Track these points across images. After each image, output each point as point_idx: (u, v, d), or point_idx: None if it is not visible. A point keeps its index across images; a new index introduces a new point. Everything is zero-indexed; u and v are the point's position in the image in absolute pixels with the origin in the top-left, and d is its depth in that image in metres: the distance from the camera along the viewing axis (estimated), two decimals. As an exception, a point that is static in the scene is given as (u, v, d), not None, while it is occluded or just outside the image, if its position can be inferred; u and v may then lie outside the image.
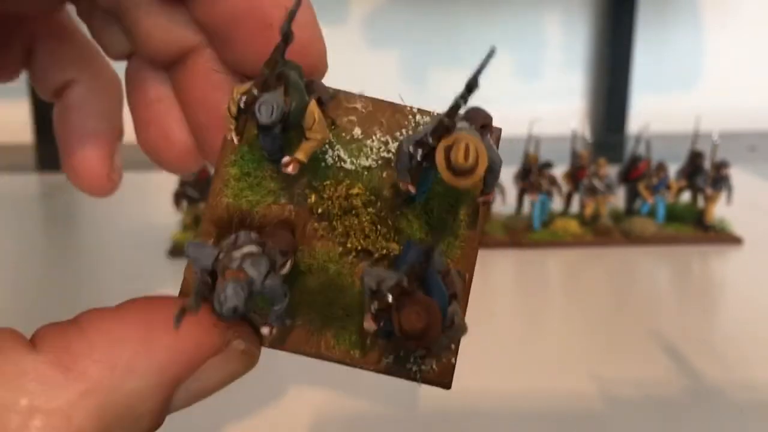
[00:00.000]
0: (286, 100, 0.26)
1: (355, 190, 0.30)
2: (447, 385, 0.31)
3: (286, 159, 0.27)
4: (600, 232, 0.89)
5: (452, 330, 0.26)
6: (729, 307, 0.72)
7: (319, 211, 0.30)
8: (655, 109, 1.59)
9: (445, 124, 0.26)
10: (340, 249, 0.30)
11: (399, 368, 0.30)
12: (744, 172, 1.17)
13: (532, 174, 0.91)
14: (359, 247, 0.30)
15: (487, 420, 0.49)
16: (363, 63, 1.53)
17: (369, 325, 0.26)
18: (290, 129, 0.27)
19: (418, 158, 0.26)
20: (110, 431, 0.24)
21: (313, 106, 0.28)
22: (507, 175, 0.94)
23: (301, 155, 0.28)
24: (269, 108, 0.25)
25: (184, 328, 0.25)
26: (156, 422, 0.26)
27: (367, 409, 0.50)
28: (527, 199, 0.92)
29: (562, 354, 0.59)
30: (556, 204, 0.95)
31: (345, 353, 0.30)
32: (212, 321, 0.27)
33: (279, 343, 0.30)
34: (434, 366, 0.30)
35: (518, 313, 0.70)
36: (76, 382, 0.23)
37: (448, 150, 0.25)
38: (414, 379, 0.30)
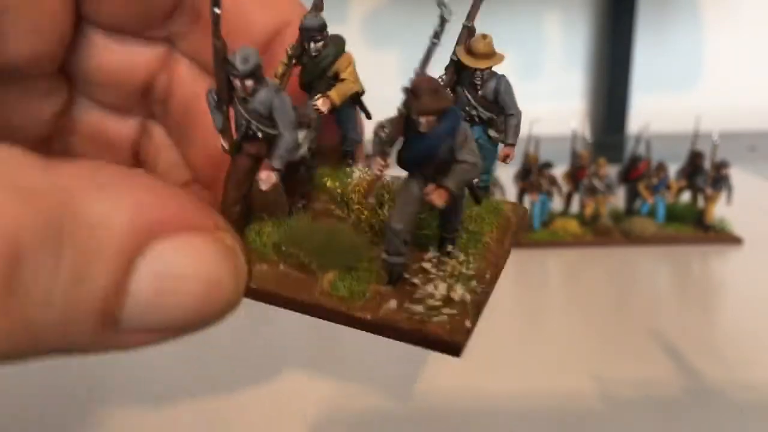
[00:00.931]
0: (322, 46, 0.29)
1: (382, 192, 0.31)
2: (457, 347, 0.26)
3: (319, 97, 0.29)
4: (600, 232, 0.89)
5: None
6: (729, 307, 0.72)
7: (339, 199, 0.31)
8: (655, 109, 1.59)
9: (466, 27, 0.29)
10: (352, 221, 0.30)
11: (402, 314, 0.26)
12: (744, 172, 1.17)
13: (532, 174, 0.91)
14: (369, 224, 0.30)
15: (487, 420, 0.49)
16: (363, 63, 1.53)
17: (377, 166, 0.26)
18: (322, 75, 0.29)
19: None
20: (60, 235, 0.22)
21: (350, 55, 0.30)
22: (507, 175, 0.94)
23: (334, 95, 0.30)
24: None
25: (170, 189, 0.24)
26: (112, 276, 0.23)
27: (367, 408, 0.50)
28: (527, 199, 0.92)
29: (562, 354, 0.59)
30: (556, 204, 0.95)
31: (340, 301, 0.27)
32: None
33: (271, 284, 0.28)
34: (447, 319, 0.26)
35: (518, 313, 0.70)
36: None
37: (468, 45, 0.27)
38: (418, 330, 0.26)
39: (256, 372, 0.55)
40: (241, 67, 0.27)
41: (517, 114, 0.31)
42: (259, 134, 0.29)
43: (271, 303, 0.28)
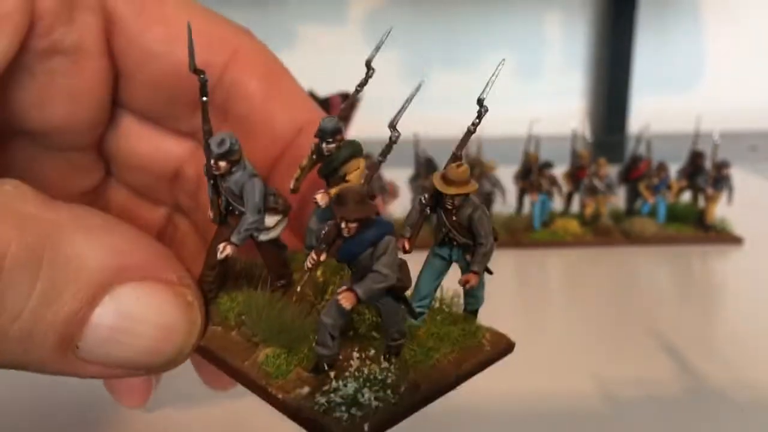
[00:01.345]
0: (333, 148, 0.33)
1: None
2: None
3: (319, 192, 0.33)
4: (600, 232, 0.89)
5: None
6: (729, 307, 0.72)
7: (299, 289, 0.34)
8: (655, 109, 1.59)
9: (454, 154, 0.31)
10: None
11: (309, 402, 0.28)
12: (745, 172, 1.17)
13: (533, 174, 0.91)
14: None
15: (487, 420, 0.49)
16: (363, 63, 1.53)
17: (310, 260, 0.29)
18: (333, 173, 0.34)
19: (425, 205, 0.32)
20: (36, 260, 0.25)
21: (361, 161, 0.34)
22: (507, 175, 0.94)
23: (334, 191, 0.33)
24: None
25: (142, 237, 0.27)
26: (77, 305, 0.25)
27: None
28: (527, 199, 0.92)
29: (562, 354, 0.59)
30: (557, 204, 0.95)
31: (263, 375, 0.29)
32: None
33: (213, 344, 0.30)
34: (346, 417, 0.27)
35: (518, 313, 0.70)
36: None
37: (444, 172, 0.30)
38: (315, 420, 0.27)
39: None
40: (215, 149, 0.31)
41: (488, 244, 0.33)
42: (236, 211, 0.32)
43: (208, 359, 0.31)
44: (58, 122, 0.35)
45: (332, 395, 0.28)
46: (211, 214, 0.33)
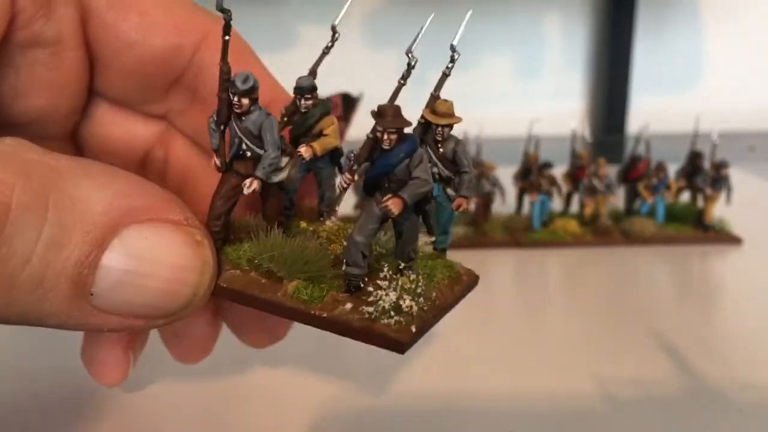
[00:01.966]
0: (311, 105, 0.34)
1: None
2: (402, 345, 0.29)
3: (303, 146, 0.34)
4: (600, 232, 0.89)
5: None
6: (729, 307, 0.72)
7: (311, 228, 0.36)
8: (655, 109, 1.59)
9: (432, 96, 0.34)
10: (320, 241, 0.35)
11: (354, 315, 0.30)
12: (743, 172, 1.17)
13: (532, 174, 0.91)
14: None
15: (487, 420, 0.49)
16: (363, 63, 1.53)
17: (344, 180, 0.30)
18: (308, 131, 0.35)
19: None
20: (42, 200, 0.25)
21: (333, 118, 0.35)
22: (507, 175, 0.94)
23: (317, 145, 0.34)
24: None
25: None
26: (86, 248, 0.25)
27: (365, 409, 0.50)
28: (527, 199, 0.92)
29: (562, 354, 0.59)
30: (556, 204, 0.95)
31: (300, 302, 0.30)
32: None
33: (238, 284, 0.31)
34: (394, 322, 0.29)
35: (518, 313, 0.70)
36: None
37: (432, 107, 0.33)
38: (368, 327, 0.29)
39: (254, 371, 0.55)
40: (240, 86, 0.31)
41: (471, 172, 0.35)
42: (248, 153, 0.33)
43: (237, 301, 0.31)
44: (39, 113, 0.36)
45: (377, 305, 0.30)
46: (217, 161, 0.33)
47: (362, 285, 0.31)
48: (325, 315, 0.30)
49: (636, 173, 0.93)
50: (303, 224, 0.37)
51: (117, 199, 0.27)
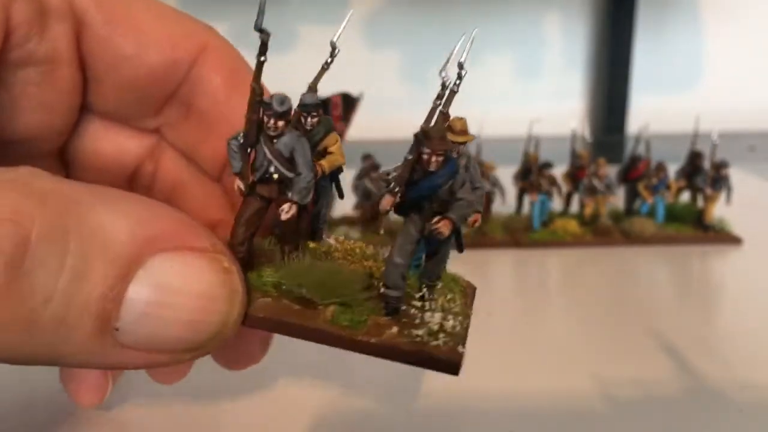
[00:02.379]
0: (315, 122, 0.33)
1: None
2: (456, 365, 0.30)
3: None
4: (600, 232, 0.89)
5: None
6: (729, 307, 0.72)
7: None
8: (655, 109, 1.59)
9: (443, 113, 0.32)
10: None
11: (403, 338, 0.29)
12: (743, 172, 1.17)
13: (532, 174, 0.91)
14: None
15: (487, 420, 0.49)
16: (363, 63, 1.53)
17: (387, 202, 0.30)
18: (313, 149, 0.33)
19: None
20: (63, 235, 0.23)
21: (336, 135, 0.35)
22: (507, 175, 0.94)
23: (325, 163, 0.34)
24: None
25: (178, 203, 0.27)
26: (110, 281, 0.24)
27: (367, 409, 0.50)
28: (527, 199, 0.92)
29: (562, 354, 0.59)
30: (556, 204, 0.95)
31: (343, 328, 0.30)
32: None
33: (276, 313, 0.30)
34: (443, 341, 0.29)
35: (518, 313, 0.70)
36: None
37: (447, 124, 0.32)
38: (420, 350, 0.29)
39: (255, 374, 0.55)
40: (278, 108, 0.31)
41: (482, 187, 0.35)
42: (275, 176, 0.32)
43: (276, 331, 0.30)
44: (30, 132, 0.35)
45: (425, 327, 0.29)
46: (242, 185, 0.32)
47: (400, 307, 0.31)
48: (374, 341, 0.29)
49: (636, 173, 0.93)
50: (311, 244, 0.36)
51: (140, 226, 0.25)
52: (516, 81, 1.64)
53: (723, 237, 0.89)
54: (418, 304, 0.31)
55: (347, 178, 0.67)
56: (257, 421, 0.49)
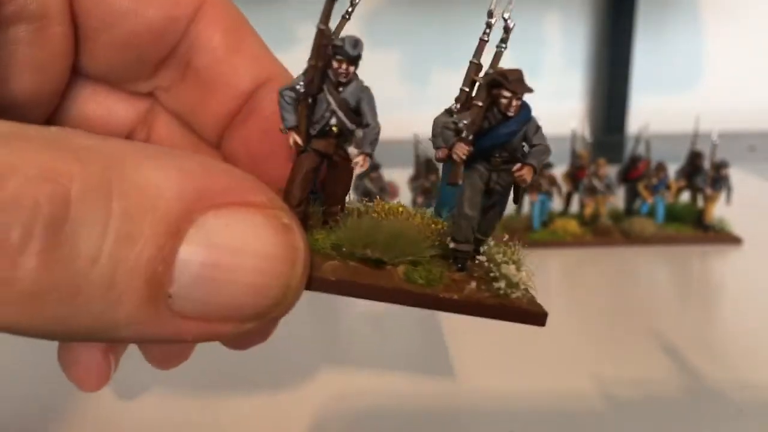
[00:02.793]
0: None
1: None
2: (543, 316, 0.29)
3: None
4: (600, 232, 0.89)
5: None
6: (729, 307, 0.72)
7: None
8: (655, 109, 1.59)
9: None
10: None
11: (484, 293, 0.28)
12: (743, 172, 1.17)
13: (532, 174, 0.91)
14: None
15: (487, 420, 0.49)
16: (363, 63, 1.53)
17: (462, 150, 0.28)
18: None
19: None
20: (125, 197, 0.21)
21: None
22: (507, 175, 0.94)
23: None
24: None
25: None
26: (160, 240, 0.22)
27: (368, 407, 0.50)
28: (527, 199, 0.92)
29: (562, 354, 0.59)
30: (556, 204, 0.95)
31: (423, 287, 0.28)
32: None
33: (347, 274, 0.28)
34: (522, 295, 0.29)
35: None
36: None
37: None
38: (505, 304, 0.28)
39: (256, 371, 0.55)
40: (351, 51, 0.28)
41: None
42: (335, 129, 0.29)
43: (349, 294, 0.28)
44: (21, 96, 0.33)
45: (504, 280, 0.29)
46: (299, 140, 0.29)
47: (470, 262, 0.30)
48: (456, 297, 0.28)
49: (636, 173, 0.93)
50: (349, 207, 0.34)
51: (189, 181, 0.23)
52: (516, 81, 1.63)
53: (723, 237, 0.89)
54: (482, 258, 0.30)
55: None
56: (257, 423, 0.49)
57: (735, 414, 0.49)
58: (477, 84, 0.32)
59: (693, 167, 0.93)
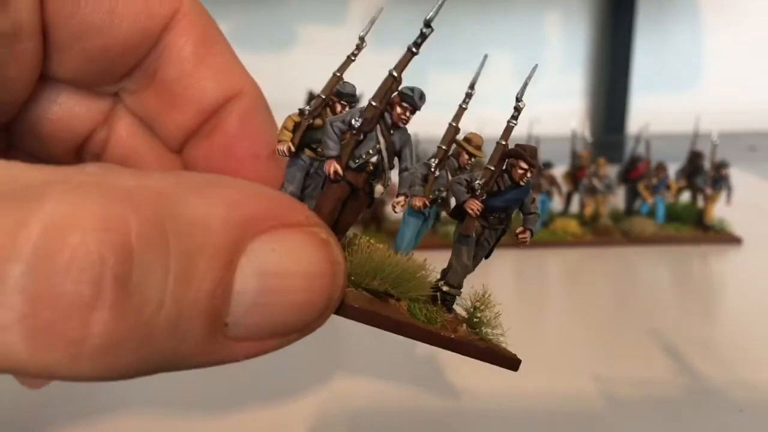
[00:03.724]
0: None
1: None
2: (518, 362, 0.32)
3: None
4: (600, 232, 0.89)
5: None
6: (729, 307, 0.72)
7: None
8: (655, 109, 1.59)
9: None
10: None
11: (474, 336, 0.31)
12: (744, 172, 1.17)
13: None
14: None
15: (487, 420, 0.49)
16: (363, 63, 1.53)
17: (476, 207, 0.32)
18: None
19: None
20: (166, 240, 0.21)
21: None
22: (507, 175, 0.94)
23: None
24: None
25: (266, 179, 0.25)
26: (217, 274, 0.22)
27: (369, 409, 0.50)
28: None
29: (561, 354, 0.59)
30: (556, 204, 0.95)
31: (426, 324, 0.30)
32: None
33: (366, 304, 0.29)
34: (499, 339, 0.31)
35: (518, 313, 0.70)
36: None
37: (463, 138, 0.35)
38: (492, 349, 0.31)
39: (253, 380, 0.55)
40: (419, 102, 0.31)
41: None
42: (371, 167, 0.31)
43: (366, 321, 0.29)
44: None
45: (486, 326, 0.31)
46: (339, 170, 0.30)
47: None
48: (453, 337, 0.30)
49: (636, 173, 0.93)
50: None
51: (234, 211, 0.23)
52: (516, 81, 1.63)
53: (723, 237, 0.89)
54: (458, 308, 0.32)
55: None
56: (256, 426, 0.49)
57: (735, 414, 0.49)
58: (453, 145, 0.35)
59: (693, 167, 0.93)
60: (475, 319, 0.32)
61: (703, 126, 0.95)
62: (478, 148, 0.36)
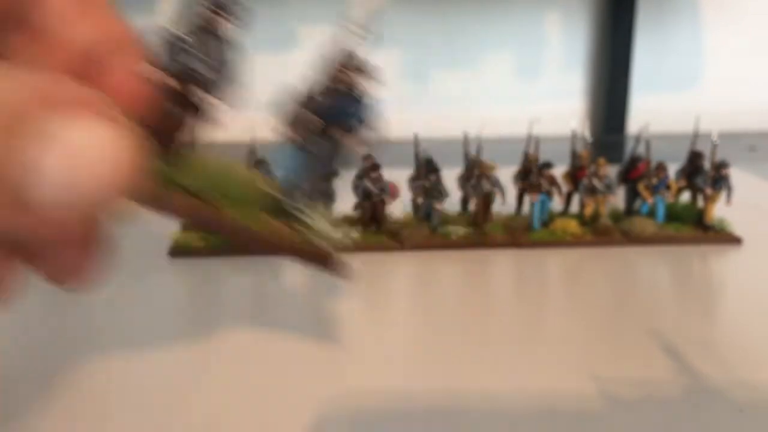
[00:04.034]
0: None
1: None
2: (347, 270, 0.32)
3: None
4: (600, 232, 0.89)
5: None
6: (729, 307, 0.72)
7: None
8: (655, 109, 1.59)
9: None
10: None
11: (300, 237, 0.32)
12: (744, 172, 1.17)
13: (532, 174, 0.91)
14: None
15: (486, 420, 0.49)
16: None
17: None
18: None
19: None
20: None
21: None
22: (507, 175, 0.94)
23: None
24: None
25: None
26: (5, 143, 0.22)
27: (365, 408, 0.50)
28: (527, 199, 0.92)
29: (562, 354, 0.59)
30: (556, 204, 0.95)
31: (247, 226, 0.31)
32: None
33: (191, 204, 0.30)
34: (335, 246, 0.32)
35: (518, 313, 0.70)
36: None
37: None
38: (318, 252, 0.32)
39: (254, 370, 0.55)
40: None
41: None
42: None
43: (189, 218, 0.30)
44: None
45: (318, 233, 0.33)
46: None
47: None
48: (279, 239, 0.31)
49: (636, 173, 0.93)
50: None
51: (31, 89, 0.23)
52: (516, 81, 1.64)
53: (723, 237, 0.89)
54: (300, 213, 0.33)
55: (347, 178, 0.67)
56: (255, 422, 0.49)
57: (735, 414, 0.49)
58: None
59: (693, 167, 0.93)
60: (302, 225, 0.32)
61: (703, 126, 0.95)
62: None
